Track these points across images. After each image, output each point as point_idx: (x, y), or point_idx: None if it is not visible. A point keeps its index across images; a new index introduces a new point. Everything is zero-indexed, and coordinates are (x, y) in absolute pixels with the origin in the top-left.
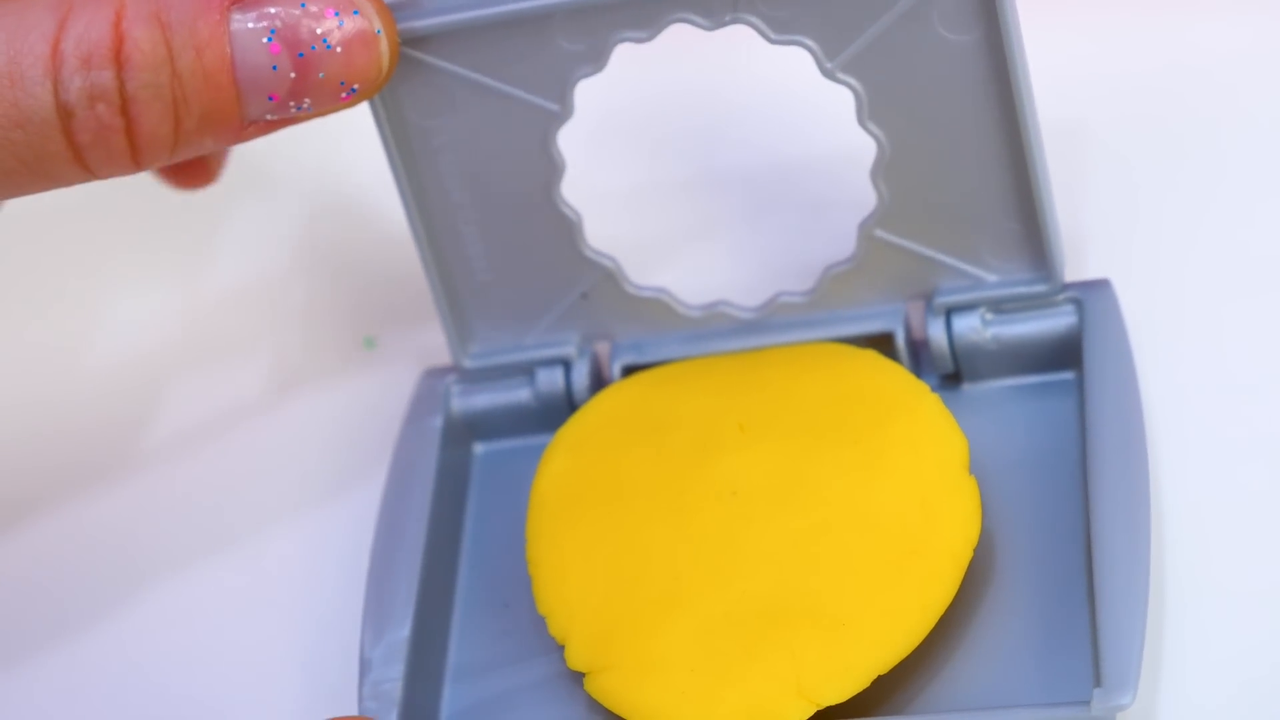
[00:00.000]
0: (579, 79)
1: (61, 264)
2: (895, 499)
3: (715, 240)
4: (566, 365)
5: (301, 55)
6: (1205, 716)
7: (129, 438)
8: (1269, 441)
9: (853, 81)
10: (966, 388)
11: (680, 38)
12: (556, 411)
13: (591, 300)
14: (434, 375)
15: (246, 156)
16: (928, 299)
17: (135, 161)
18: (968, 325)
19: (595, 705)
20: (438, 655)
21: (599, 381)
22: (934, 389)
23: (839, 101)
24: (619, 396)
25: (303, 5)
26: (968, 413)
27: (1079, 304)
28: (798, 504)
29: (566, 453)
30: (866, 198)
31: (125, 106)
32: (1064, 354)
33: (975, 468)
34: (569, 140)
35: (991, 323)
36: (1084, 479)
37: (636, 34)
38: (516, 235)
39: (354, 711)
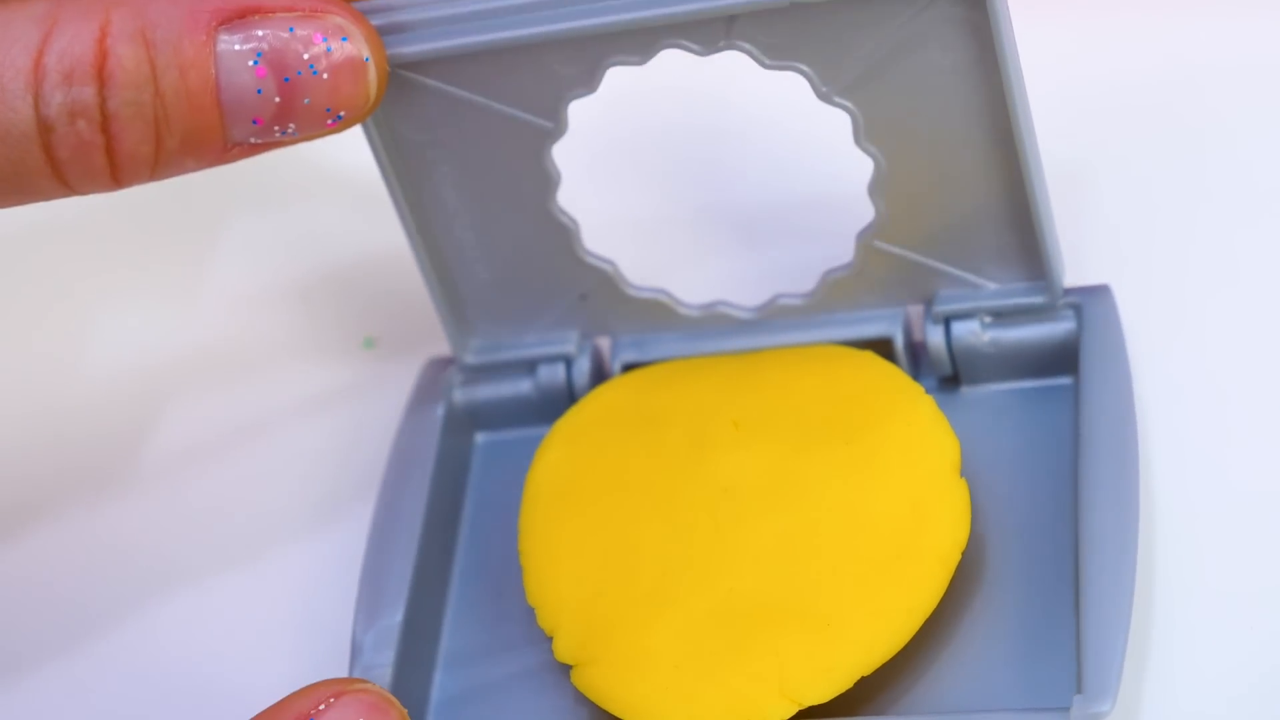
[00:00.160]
0: (572, 99)
1: (64, 265)
2: (886, 501)
3: (713, 247)
4: (568, 361)
5: (287, 80)
6: None
7: (130, 437)
8: (1265, 450)
9: (849, 105)
10: (965, 390)
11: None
12: (558, 403)
13: (591, 301)
14: (437, 364)
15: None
16: (927, 303)
17: (115, 179)
18: (966, 329)
19: (583, 697)
20: (430, 641)
21: (600, 376)
22: (933, 391)
23: (838, 112)
24: (616, 391)
25: (291, 30)
26: (965, 415)
27: (1078, 310)
28: (789, 503)
29: (562, 445)
30: (865, 207)
31: (106, 124)
32: (1062, 359)
33: (969, 471)
34: (568, 149)
35: (990, 326)
36: (1075, 485)
37: (629, 59)
38: (514, 241)
39: None
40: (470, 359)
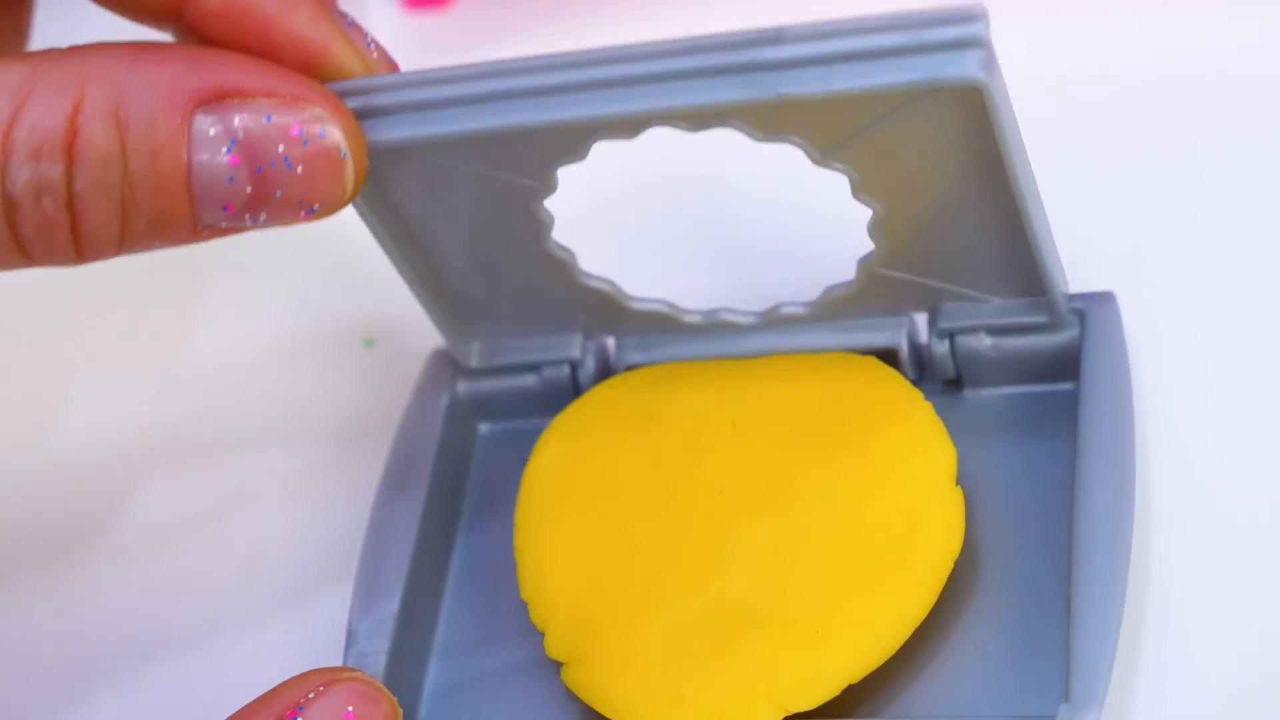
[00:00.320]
0: (560, 165)
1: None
2: (880, 507)
3: (714, 264)
4: (573, 362)
5: (260, 170)
6: None
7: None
8: (1263, 461)
9: (844, 168)
10: (968, 394)
11: None
12: (563, 396)
13: (591, 312)
14: (443, 354)
15: None
16: (931, 316)
17: (79, 256)
18: (970, 335)
19: (574, 693)
20: (425, 631)
21: (605, 373)
22: (935, 394)
23: None
24: (616, 388)
25: (269, 118)
26: (966, 420)
27: (1081, 316)
28: (783, 506)
29: (560, 440)
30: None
31: (72, 202)
32: (1065, 365)
33: (968, 477)
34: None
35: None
36: (1072, 492)
37: (618, 135)
38: (510, 275)
39: None
40: (474, 363)
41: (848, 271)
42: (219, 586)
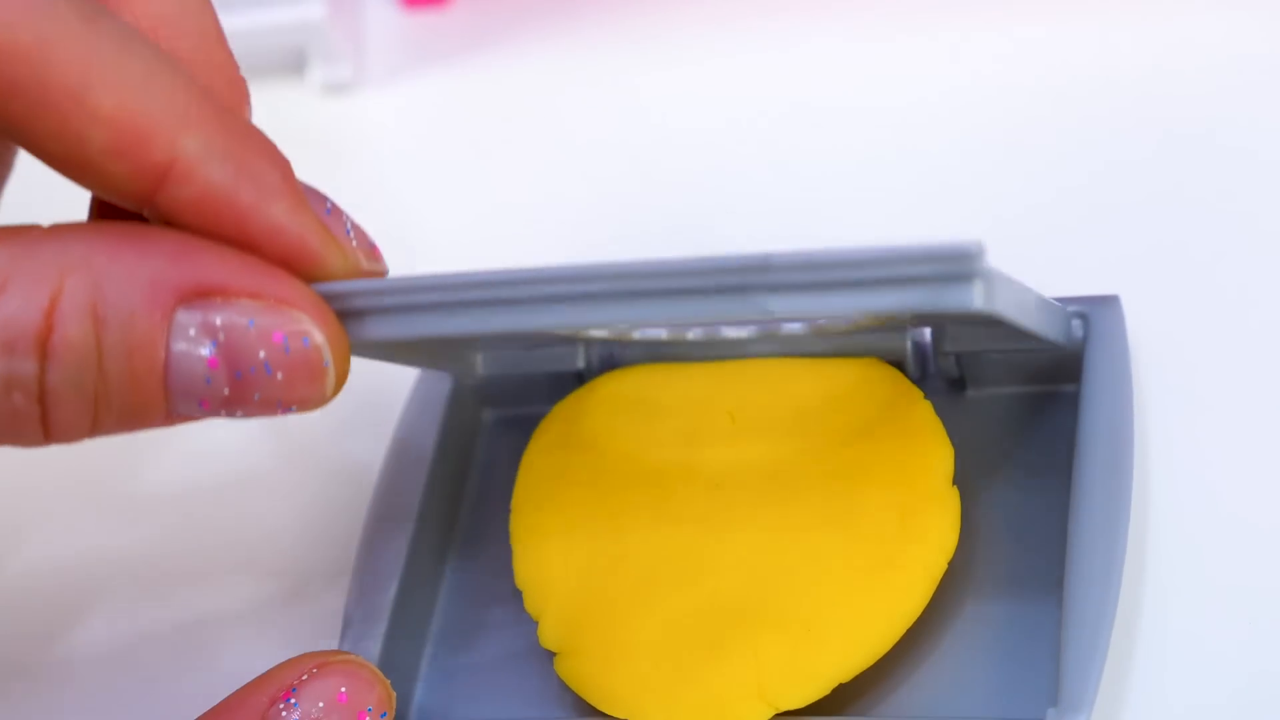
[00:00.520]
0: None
1: None
2: (875, 507)
3: None
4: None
5: (239, 375)
6: None
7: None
8: (1263, 468)
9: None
10: (970, 393)
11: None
12: (567, 385)
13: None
14: None
15: None
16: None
17: (47, 441)
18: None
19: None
20: (422, 617)
21: (610, 362)
22: (938, 393)
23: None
24: (618, 379)
25: (251, 322)
26: (968, 419)
27: (1085, 319)
28: (778, 503)
29: (558, 429)
30: None
31: (43, 397)
32: (1069, 367)
33: (967, 476)
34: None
35: None
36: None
37: (605, 337)
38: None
39: None
40: (480, 371)
41: None
42: (218, 572)
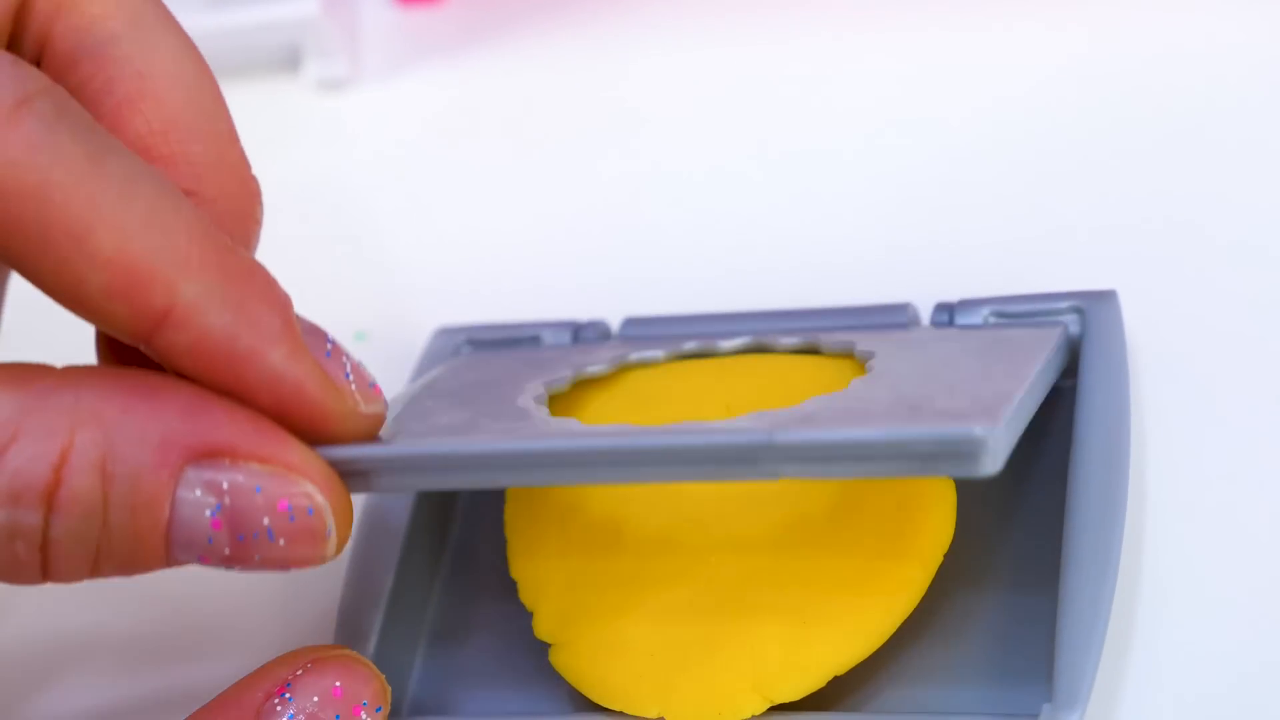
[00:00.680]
0: None
1: None
2: (871, 500)
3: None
4: (576, 329)
5: (241, 538)
6: None
7: None
8: (1259, 462)
9: None
10: None
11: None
12: None
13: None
14: (445, 334)
15: None
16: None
17: (44, 582)
18: (971, 323)
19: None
20: (417, 610)
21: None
22: None
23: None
24: (617, 371)
25: (258, 489)
26: None
27: (1082, 313)
28: (775, 495)
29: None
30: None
31: (45, 546)
32: (1067, 361)
33: None
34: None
35: (995, 326)
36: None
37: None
38: None
39: None
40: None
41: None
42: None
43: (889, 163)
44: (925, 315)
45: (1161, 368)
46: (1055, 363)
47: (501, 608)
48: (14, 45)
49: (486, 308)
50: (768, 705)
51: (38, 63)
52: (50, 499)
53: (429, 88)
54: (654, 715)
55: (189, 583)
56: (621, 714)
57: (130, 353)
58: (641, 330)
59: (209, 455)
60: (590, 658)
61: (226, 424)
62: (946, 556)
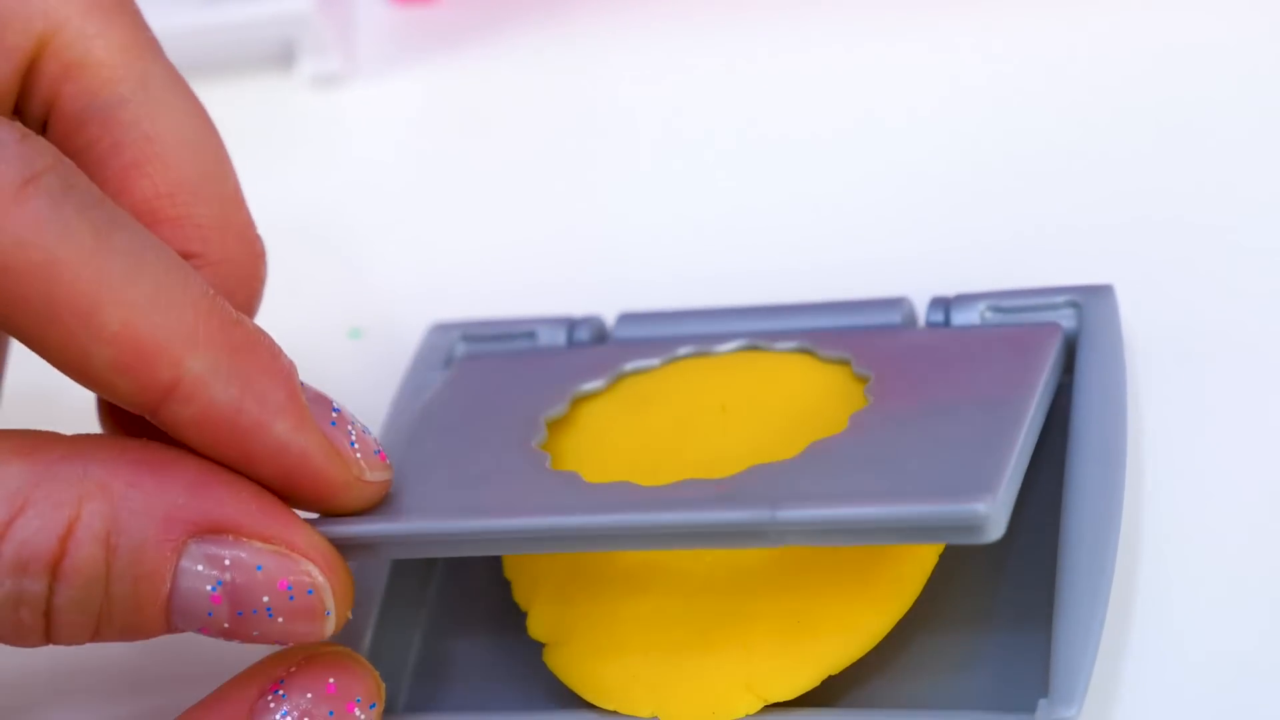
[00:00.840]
0: None
1: None
2: None
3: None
4: (571, 325)
5: (241, 614)
6: None
7: None
8: (1256, 458)
9: None
10: None
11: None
12: None
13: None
14: (441, 330)
15: (235, 151)
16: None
17: (46, 644)
18: (967, 320)
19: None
20: (412, 607)
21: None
22: None
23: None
24: None
25: (260, 568)
26: None
27: (1078, 308)
28: None
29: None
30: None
31: (49, 613)
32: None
33: None
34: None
35: (991, 321)
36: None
37: None
38: None
39: None
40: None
41: None
42: None
43: (885, 157)
44: (921, 309)
45: (1158, 362)
46: (1052, 382)
47: (495, 606)
48: (22, 105)
49: (482, 303)
50: (762, 704)
51: (45, 122)
52: (55, 569)
53: (423, 84)
54: (648, 714)
55: None
56: (616, 713)
57: (132, 418)
58: (637, 326)
59: (212, 531)
60: (584, 657)
61: (231, 501)
62: (941, 555)
